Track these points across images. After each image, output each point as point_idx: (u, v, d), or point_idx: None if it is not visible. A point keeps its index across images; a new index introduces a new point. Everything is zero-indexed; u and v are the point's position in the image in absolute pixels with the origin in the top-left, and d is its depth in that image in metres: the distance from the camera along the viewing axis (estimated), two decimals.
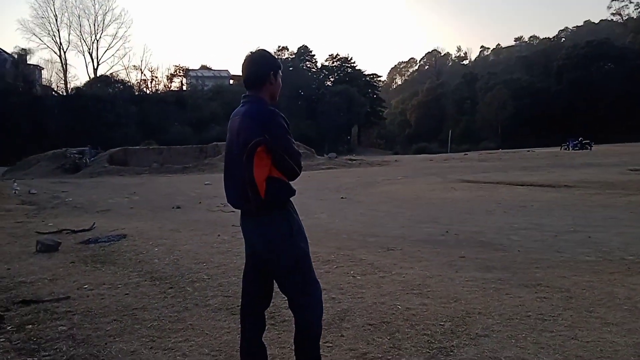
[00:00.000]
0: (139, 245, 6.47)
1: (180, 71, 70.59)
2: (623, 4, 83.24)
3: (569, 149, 42.42)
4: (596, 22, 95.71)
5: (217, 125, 50.62)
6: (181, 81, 71.46)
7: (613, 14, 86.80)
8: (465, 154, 43.96)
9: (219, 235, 7.10)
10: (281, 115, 2.35)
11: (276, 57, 2.59)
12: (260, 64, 2.48)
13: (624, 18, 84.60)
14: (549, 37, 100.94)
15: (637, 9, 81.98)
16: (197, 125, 56.09)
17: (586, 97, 60.97)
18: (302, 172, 2.46)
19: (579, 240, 6.37)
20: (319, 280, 2.53)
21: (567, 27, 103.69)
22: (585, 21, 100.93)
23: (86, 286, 4.52)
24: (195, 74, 73.73)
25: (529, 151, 42.15)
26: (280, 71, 2.51)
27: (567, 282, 4.32)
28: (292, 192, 2.44)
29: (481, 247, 6.16)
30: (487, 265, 5.12)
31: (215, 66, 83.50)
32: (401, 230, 7.80)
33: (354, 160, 37.13)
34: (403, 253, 5.86)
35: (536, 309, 3.62)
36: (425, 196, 12.95)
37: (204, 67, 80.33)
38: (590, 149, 40.53)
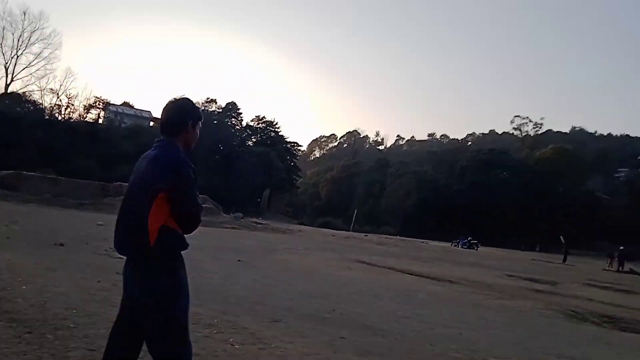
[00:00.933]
0: (4, 279, 5.94)
1: (100, 103, 67.79)
2: (524, 121, 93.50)
3: (458, 246, 45.27)
4: (500, 132, 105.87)
5: (125, 165, 48.57)
6: (98, 114, 68.55)
7: (514, 129, 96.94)
8: (365, 235, 45.34)
9: (99, 281, 6.71)
10: (191, 166, 2.37)
11: (199, 108, 2.60)
12: (181, 112, 2.53)
13: (523, 134, 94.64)
14: (457, 139, 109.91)
15: (535, 128, 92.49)
16: (105, 161, 53.47)
17: (483, 200, 66.00)
18: (201, 228, 2.50)
19: (451, 336, 6.71)
20: (192, 343, 2.47)
21: (474, 132, 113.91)
22: (491, 130, 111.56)
23: None
24: (115, 109, 71.15)
25: (422, 242, 44.34)
26: (200, 122, 2.58)
27: None
28: (185, 245, 2.42)
29: (363, 330, 6.30)
30: (364, 349, 5.24)
31: (138, 105, 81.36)
32: (290, 302, 7.80)
33: (259, 223, 36.97)
34: (287, 326, 5.85)
35: None
36: (321, 271, 13.11)
37: (126, 104, 77.86)
38: (477, 249, 43.51)
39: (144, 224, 2.27)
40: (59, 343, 3.93)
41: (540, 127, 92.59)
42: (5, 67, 60.06)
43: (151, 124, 74.26)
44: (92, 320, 4.68)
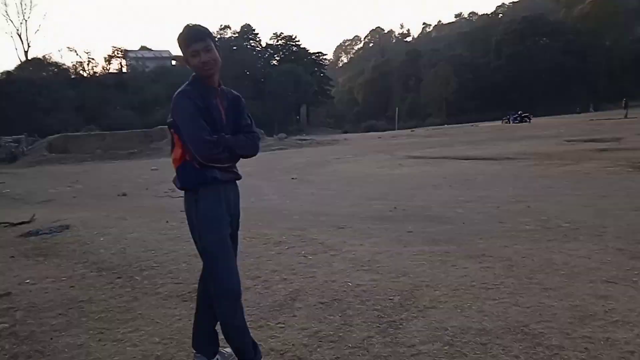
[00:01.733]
0: (83, 235, 6.25)
1: (119, 52, 67.65)
2: None
3: (509, 123, 44.03)
4: None
5: (161, 108, 49.14)
6: (120, 63, 68.58)
7: None
8: (412, 131, 44.79)
9: (167, 222, 6.96)
10: (187, 96, 2.31)
11: (181, 35, 2.37)
12: (178, 45, 2.44)
13: None
14: (487, 14, 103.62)
15: None
16: (140, 108, 54.26)
17: (524, 71, 63.18)
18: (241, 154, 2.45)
19: (520, 211, 6.65)
20: (234, 280, 2.42)
21: (503, 3, 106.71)
22: None
23: (28, 281, 4.34)
24: (135, 55, 70.82)
25: (472, 125, 43.45)
26: (186, 49, 2.37)
27: (509, 251, 4.52)
28: (204, 179, 2.35)
29: (428, 221, 6.33)
30: (433, 238, 5.28)
31: (155, 47, 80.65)
32: (351, 208, 7.90)
33: (304, 140, 37.11)
34: (353, 230, 5.95)
35: (480, 279, 3.77)
36: (374, 173, 13.15)
37: (144, 48, 77.32)
38: (529, 121, 42.22)
39: (172, 161, 2.43)
40: (147, 282, 4.15)
41: None
42: (19, 35, 60.21)
43: (173, 62, 73.85)
44: (171, 257, 4.89)
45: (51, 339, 3.06)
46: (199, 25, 2.39)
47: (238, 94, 2.62)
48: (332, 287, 3.77)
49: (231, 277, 2.42)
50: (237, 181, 2.57)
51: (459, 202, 7.82)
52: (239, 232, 2.65)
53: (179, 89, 2.36)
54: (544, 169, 11.17)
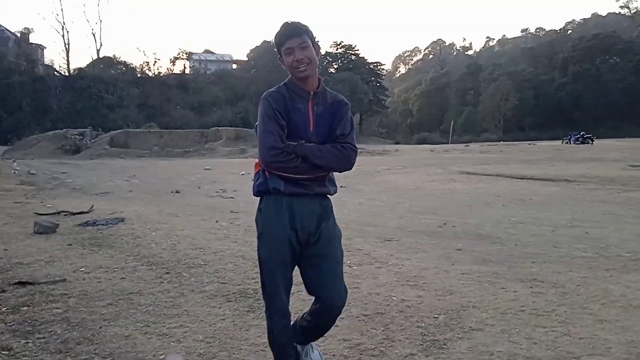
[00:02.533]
0: (136, 229, 6.47)
1: (184, 54, 70.05)
2: None
3: (570, 143, 42.37)
4: (604, 14, 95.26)
5: (218, 110, 50.53)
6: (184, 64, 71.02)
7: (621, 7, 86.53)
8: (466, 145, 43.89)
9: (217, 221, 7.11)
10: (266, 99, 2.22)
11: (277, 34, 2.25)
12: None
13: (632, 11, 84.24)
14: (555, 30, 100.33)
15: None
16: (198, 109, 55.92)
17: (590, 91, 60.74)
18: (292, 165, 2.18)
19: (576, 236, 6.37)
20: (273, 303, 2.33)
21: (574, 20, 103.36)
22: (593, 14, 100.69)
23: (82, 269, 4.52)
24: (198, 58, 73.17)
25: (530, 144, 42.10)
26: (281, 49, 2.26)
27: (563, 278, 4.32)
28: (264, 187, 2.26)
29: (478, 240, 6.16)
30: (483, 258, 5.12)
31: (218, 50, 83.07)
32: (399, 221, 7.80)
33: None
34: (400, 244, 5.86)
35: (530, 304, 3.62)
36: (425, 187, 12.95)
37: (207, 51, 79.73)
38: (592, 143, 40.48)
39: None
40: (194, 280, 4.24)
41: None
42: (92, 34, 63.47)
43: (234, 66, 75.64)
44: (219, 257, 4.98)
45: (100, 327, 3.17)
46: (298, 22, 2.24)
47: (343, 99, 2.38)
48: (376, 300, 3.72)
49: (275, 295, 2.31)
50: (328, 196, 2.37)
51: (512, 222, 7.57)
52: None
53: (266, 91, 2.27)
54: (606, 194, 10.66)
